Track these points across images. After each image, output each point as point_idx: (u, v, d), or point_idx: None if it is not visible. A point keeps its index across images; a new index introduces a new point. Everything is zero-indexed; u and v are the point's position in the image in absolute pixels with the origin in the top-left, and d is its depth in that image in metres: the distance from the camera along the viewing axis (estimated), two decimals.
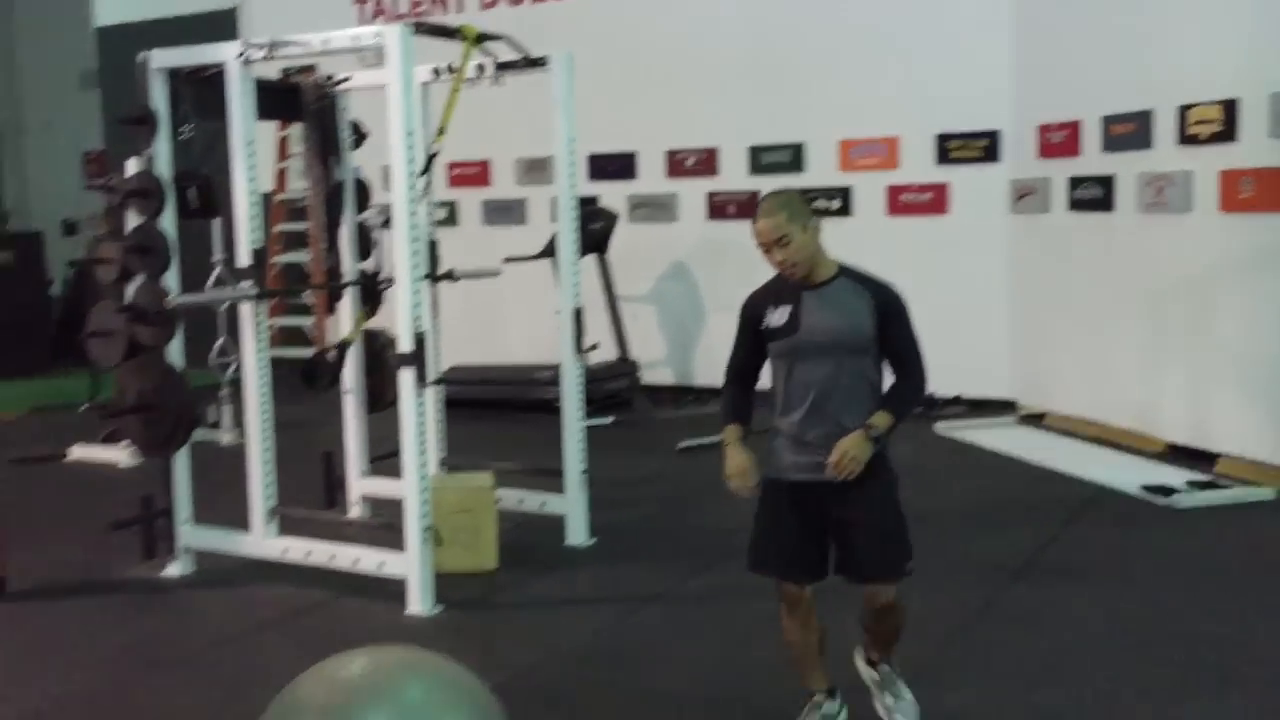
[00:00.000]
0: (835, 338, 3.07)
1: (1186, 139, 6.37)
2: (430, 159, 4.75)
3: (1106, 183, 6.99)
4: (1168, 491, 5.64)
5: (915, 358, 3.14)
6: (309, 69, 5.33)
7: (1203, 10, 6.32)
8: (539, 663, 3.91)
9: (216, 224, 7.63)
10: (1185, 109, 6.35)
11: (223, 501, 5.06)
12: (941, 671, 3.73)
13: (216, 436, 7.51)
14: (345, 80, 5.29)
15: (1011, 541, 5.08)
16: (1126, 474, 6.04)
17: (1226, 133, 6.11)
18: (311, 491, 5.69)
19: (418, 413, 4.33)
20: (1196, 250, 6.39)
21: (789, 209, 3.07)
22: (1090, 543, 5.12)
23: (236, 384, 7.74)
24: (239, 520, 4.89)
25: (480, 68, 5.14)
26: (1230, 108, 6.09)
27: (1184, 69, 6.41)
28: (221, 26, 9.53)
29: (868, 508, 3.06)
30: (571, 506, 5.21)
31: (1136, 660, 3.81)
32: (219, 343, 7.75)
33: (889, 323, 3.10)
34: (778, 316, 3.13)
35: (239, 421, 7.47)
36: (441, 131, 4.73)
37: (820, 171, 8.46)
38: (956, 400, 7.94)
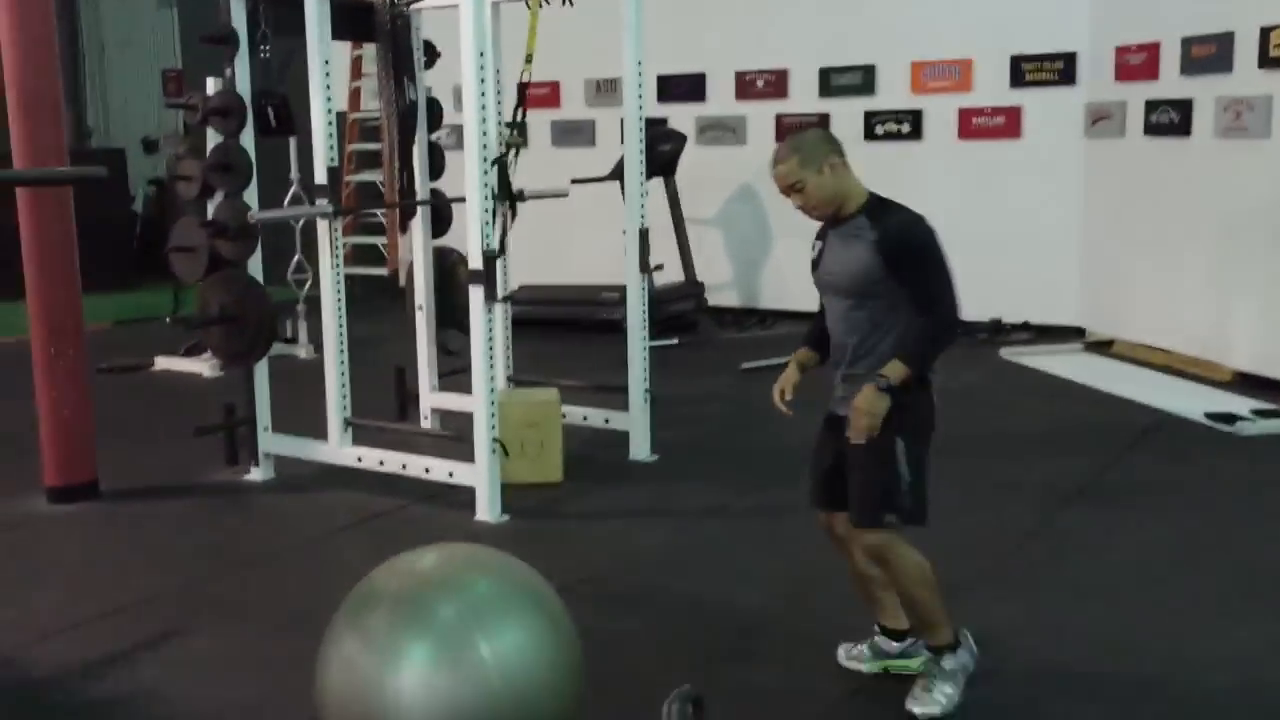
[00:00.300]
0: (839, 279, 3.00)
1: (1268, 62, 6.23)
2: (523, 90, 4.81)
3: (1184, 107, 6.87)
4: (1231, 419, 5.63)
5: (931, 300, 2.91)
6: None
7: None
8: (600, 569, 4.07)
9: (292, 143, 7.80)
10: (1267, 30, 6.20)
11: (300, 412, 5.26)
12: (991, 585, 3.83)
13: (293, 351, 7.75)
14: (418, 0, 5.35)
15: (1070, 465, 5.13)
16: (1192, 401, 6.03)
17: None
18: (384, 404, 5.88)
19: (487, 328, 4.47)
20: (1274, 177, 6.28)
21: (801, 153, 2.97)
22: (1149, 468, 5.15)
23: (312, 300, 7.98)
24: (316, 430, 5.10)
25: None
26: None
27: None
28: None
29: (858, 448, 2.96)
30: (635, 423, 5.34)
31: (1187, 582, 3.87)
32: (295, 259, 7.94)
33: (897, 263, 2.91)
34: (814, 251, 3.11)
35: (314, 337, 7.72)
36: (529, 59, 4.79)
37: (891, 94, 8.39)
38: (1024, 326, 7.92)
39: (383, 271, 10.17)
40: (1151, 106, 7.13)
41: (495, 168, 4.68)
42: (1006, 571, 3.99)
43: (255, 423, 5.14)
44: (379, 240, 10.29)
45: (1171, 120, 6.97)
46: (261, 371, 5.13)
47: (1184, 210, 6.92)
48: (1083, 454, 5.30)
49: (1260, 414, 5.74)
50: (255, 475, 5.16)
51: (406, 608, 2.48)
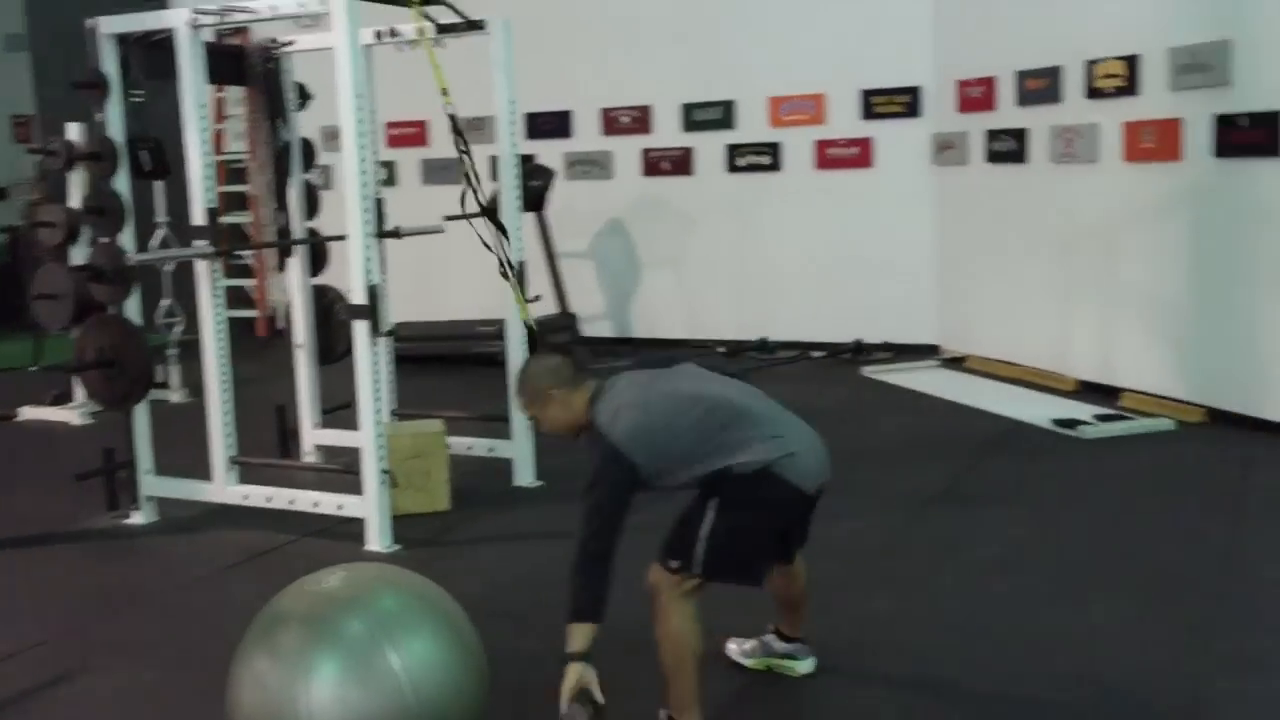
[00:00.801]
0: None
1: (1093, 93, 6.74)
2: (455, 123, 4.92)
3: (1020, 135, 7.36)
4: (1075, 424, 6.06)
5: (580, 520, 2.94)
6: (244, 31, 5.48)
7: None
8: (493, 590, 4.18)
9: (158, 186, 7.73)
10: (1092, 64, 6.72)
11: (179, 456, 5.25)
12: (862, 584, 4.09)
13: (166, 395, 7.65)
14: (290, 43, 5.45)
15: (931, 472, 5.46)
16: (1039, 409, 6.45)
17: (1129, 87, 6.49)
18: (265, 444, 5.88)
19: (372, 361, 4.56)
20: (1103, 199, 6.78)
21: (525, 391, 3.15)
22: (1003, 472, 5.51)
23: (184, 344, 7.90)
24: (196, 473, 5.10)
25: (420, 30, 5.33)
26: (1132, 63, 6.46)
27: (1090, 26, 6.78)
28: None
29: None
30: (518, 450, 5.48)
31: (1042, 572, 4.19)
32: (166, 304, 7.86)
33: None
34: None
35: (187, 380, 7.65)
36: (444, 92, 4.92)
37: (751, 128, 8.74)
38: (884, 345, 8.32)
39: (254, 314, 10.11)
40: (991, 136, 7.61)
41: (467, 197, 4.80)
42: (878, 572, 4.25)
43: (135, 466, 5.12)
44: (248, 283, 10.22)
45: (1010, 148, 7.45)
46: (141, 414, 5.11)
47: (1025, 232, 7.40)
48: (943, 461, 5.65)
49: (1100, 419, 6.18)
50: (138, 519, 5.13)
51: (316, 625, 2.59)
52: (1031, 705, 3.22)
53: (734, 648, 3.49)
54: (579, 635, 2.90)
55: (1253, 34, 5.81)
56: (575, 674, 2.86)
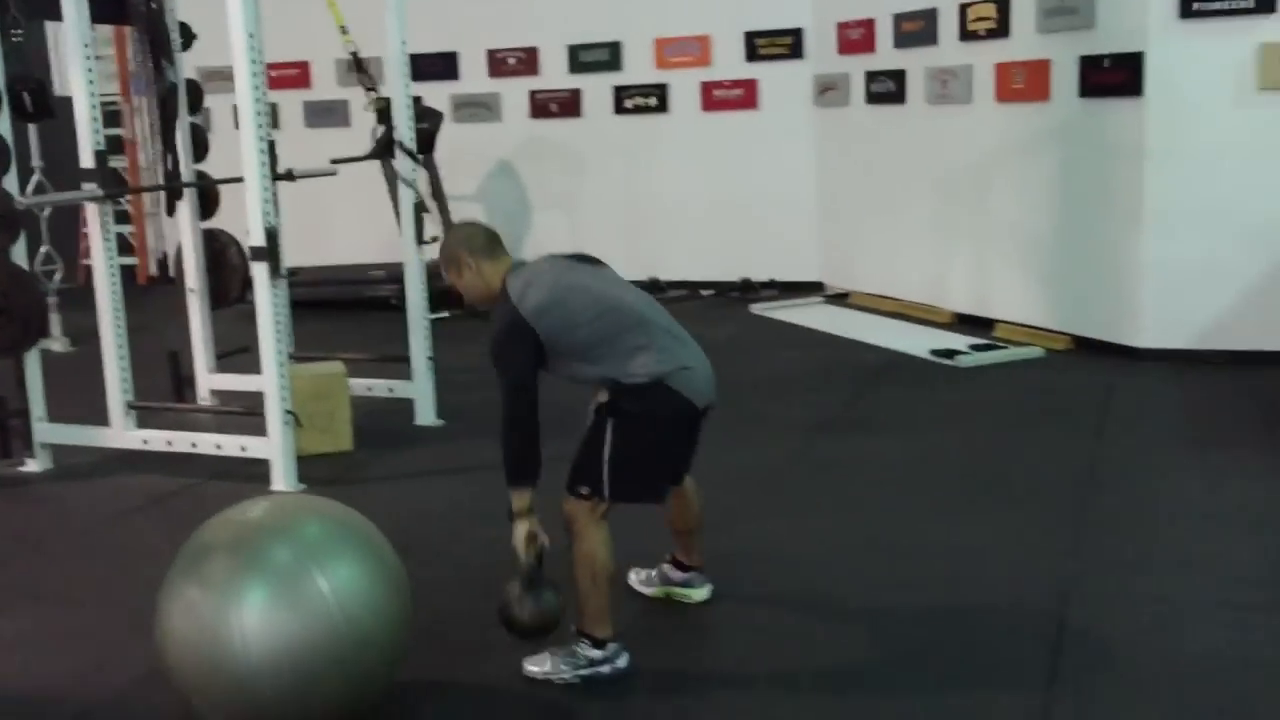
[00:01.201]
0: None
1: (967, 35, 7.00)
2: (358, 60, 4.88)
3: (899, 77, 7.60)
4: (952, 354, 6.38)
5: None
6: None
7: None
8: (401, 524, 4.21)
9: (32, 129, 7.51)
10: (965, 7, 6.97)
11: (70, 405, 5.19)
12: (756, 509, 4.30)
13: (49, 345, 7.46)
14: None
15: (818, 402, 5.71)
16: (918, 341, 6.76)
17: (1000, 29, 6.76)
18: (159, 391, 5.83)
19: (273, 302, 4.58)
20: (977, 138, 7.07)
21: (445, 258, 3.21)
22: (886, 400, 5.79)
23: (62, 293, 7.73)
24: (90, 421, 5.06)
25: None
26: (1004, 5, 6.73)
27: None
28: None
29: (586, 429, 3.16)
30: (419, 390, 5.55)
31: (925, 491, 4.45)
32: (44, 251, 7.66)
33: None
34: None
35: (68, 330, 7.50)
36: (344, 30, 4.89)
37: (637, 69, 8.82)
38: (770, 283, 8.55)
39: (134, 261, 9.89)
40: (871, 77, 7.84)
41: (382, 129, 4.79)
42: (773, 497, 4.47)
43: (29, 413, 5.05)
44: (126, 229, 9.97)
45: (889, 89, 7.69)
46: (33, 361, 5.04)
47: (904, 171, 7.67)
48: (830, 392, 5.90)
49: (975, 348, 6.52)
50: (33, 466, 5.07)
51: (244, 553, 2.67)
52: (915, 612, 3.46)
53: (634, 577, 3.62)
54: (519, 497, 3.05)
55: None
56: (523, 527, 3.04)
